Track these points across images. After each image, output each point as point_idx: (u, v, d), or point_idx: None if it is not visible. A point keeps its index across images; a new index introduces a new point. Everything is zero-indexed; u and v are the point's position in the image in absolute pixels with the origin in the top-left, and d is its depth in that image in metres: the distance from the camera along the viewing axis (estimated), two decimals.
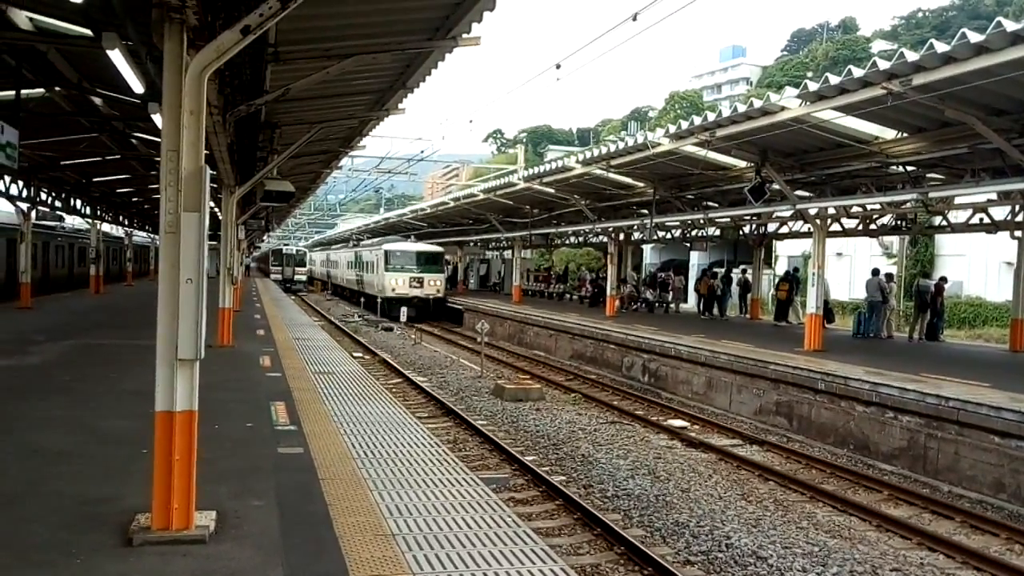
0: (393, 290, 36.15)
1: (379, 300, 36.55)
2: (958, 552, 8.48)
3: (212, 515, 5.50)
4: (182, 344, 5.03)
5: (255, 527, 5.52)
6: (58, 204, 26.14)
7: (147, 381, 5.15)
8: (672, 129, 16.37)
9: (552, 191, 25.47)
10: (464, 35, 9.28)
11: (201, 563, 4.84)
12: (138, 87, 8.33)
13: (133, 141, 15.92)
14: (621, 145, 18.81)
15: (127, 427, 8.03)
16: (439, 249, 39.33)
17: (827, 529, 9.21)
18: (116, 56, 7.28)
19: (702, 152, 16.71)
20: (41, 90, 11.64)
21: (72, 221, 35.92)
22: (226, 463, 7.07)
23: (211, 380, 10.81)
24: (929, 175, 16.55)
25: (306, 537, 5.39)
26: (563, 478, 10.83)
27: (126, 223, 38.01)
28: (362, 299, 43.09)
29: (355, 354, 21.00)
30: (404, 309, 33.39)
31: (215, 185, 19.31)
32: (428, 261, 37.54)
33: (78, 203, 28.03)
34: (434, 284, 36.90)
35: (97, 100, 12.40)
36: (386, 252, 36.96)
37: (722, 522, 9.19)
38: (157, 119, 4.94)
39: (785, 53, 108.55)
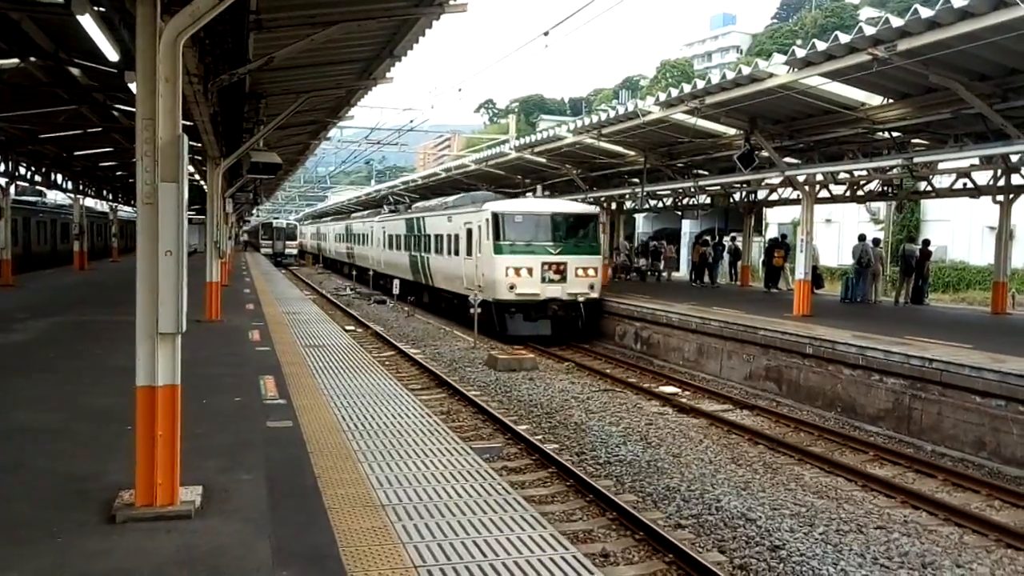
0: (512, 288, 20.04)
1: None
2: (940, 509, 8.62)
3: (198, 490, 5.46)
4: (163, 318, 4.96)
5: (243, 501, 5.49)
6: (38, 179, 25.78)
7: (132, 357, 5.08)
8: (662, 97, 16.25)
9: (544, 161, 25.32)
10: (451, 1, 9.12)
11: (186, 538, 4.81)
12: (112, 55, 8.14)
13: (114, 113, 15.65)
14: (612, 114, 18.67)
15: (112, 403, 7.96)
16: (591, 209, 23.00)
17: (814, 490, 9.28)
18: (88, 22, 7.10)
19: (692, 120, 16.62)
20: (15, 60, 11.37)
21: (55, 196, 35.53)
22: (214, 438, 7.03)
23: (199, 355, 10.78)
24: (914, 141, 16.55)
25: (295, 510, 5.36)
26: (556, 446, 10.85)
27: (110, 198, 37.60)
28: (429, 295, 28.09)
29: (347, 327, 20.95)
30: (397, 282, 27.79)
31: (200, 157, 19.09)
32: (574, 229, 21.07)
33: (59, 178, 27.65)
34: (585, 275, 20.68)
35: (75, 70, 12.15)
36: (497, 216, 20.56)
37: (712, 486, 9.24)
38: (134, 88, 4.79)
39: (775, 21, 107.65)
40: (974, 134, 14.21)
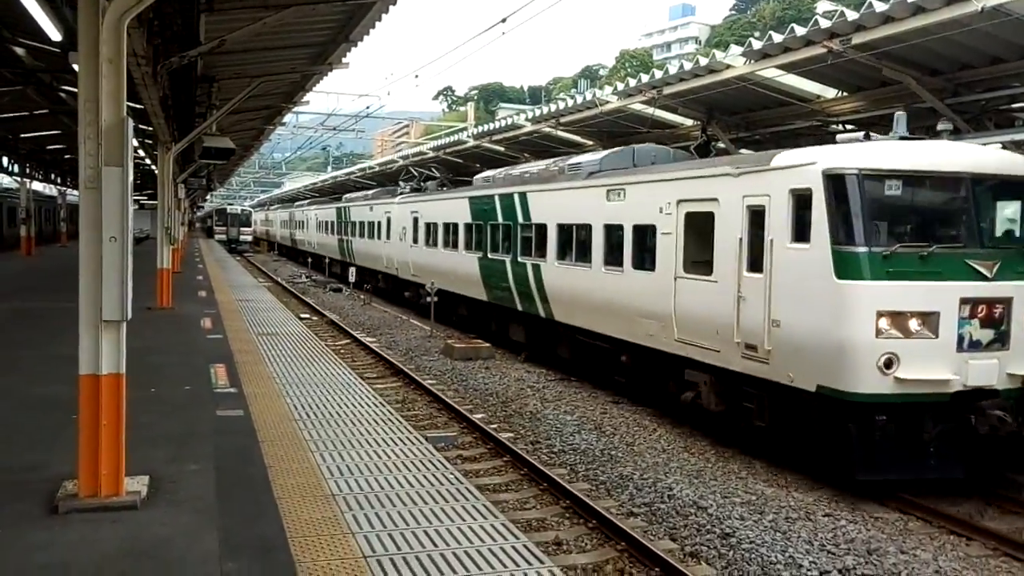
0: (889, 365, 8.14)
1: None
2: (894, 500, 8.76)
3: (145, 480, 5.37)
4: (106, 305, 4.85)
5: (190, 491, 5.41)
6: None
7: (77, 345, 4.96)
8: (621, 87, 16.30)
9: (502, 149, 25.21)
10: None
11: (131, 529, 4.73)
12: (55, 35, 7.91)
13: (61, 95, 15.22)
14: (571, 103, 18.67)
15: (56, 392, 7.77)
16: None
17: (764, 478, 9.44)
18: (29, 1, 6.88)
19: (650, 110, 16.68)
20: None
21: (0, 179, 34.48)
22: (162, 427, 6.91)
23: (148, 343, 10.58)
24: (870, 134, 16.83)
25: (243, 500, 5.30)
26: (511, 435, 10.88)
27: (58, 181, 36.61)
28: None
29: (301, 315, 20.70)
30: (352, 270, 27.07)
31: (150, 141, 18.68)
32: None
33: (4, 161, 26.84)
34: None
35: (19, 50, 11.78)
36: (845, 181, 8.42)
37: (665, 474, 9.35)
38: (77, 69, 4.66)
39: (733, 12, 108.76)
40: (926, 127, 14.52)
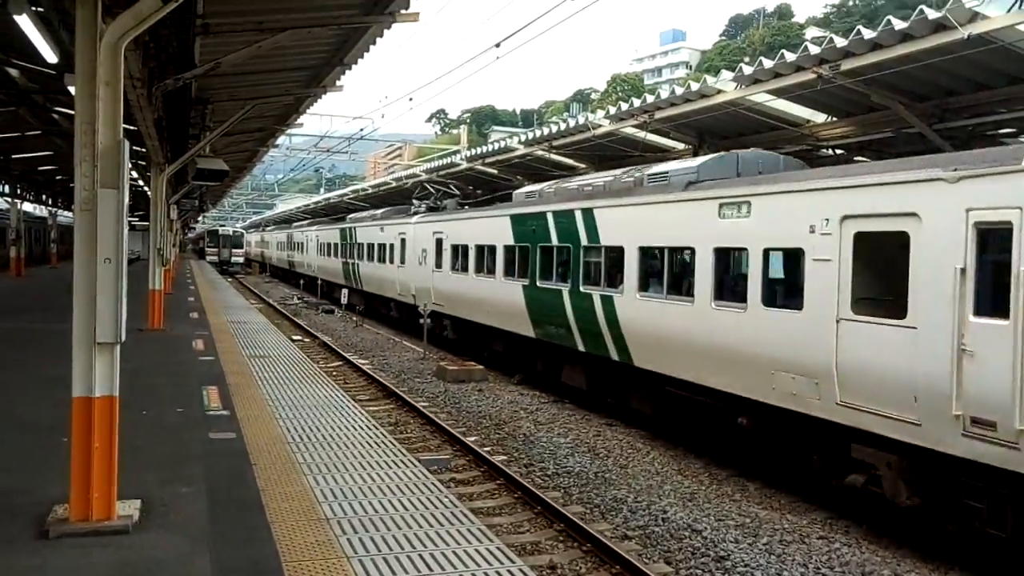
0: None
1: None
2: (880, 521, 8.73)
3: (137, 504, 5.32)
4: (101, 327, 4.82)
5: (183, 515, 5.36)
6: None
7: (70, 367, 4.93)
8: (613, 111, 16.43)
9: (495, 171, 25.33)
10: (402, 11, 9.10)
11: (123, 554, 4.68)
12: (51, 57, 7.94)
13: (55, 116, 15.22)
14: (563, 126, 18.81)
15: (47, 415, 7.71)
16: None
17: (758, 501, 9.42)
18: (25, 22, 6.91)
19: (641, 134, 16.83)
20: None
21: None
22: (154, 450, 6.86)
23: (140, 364, 10.51)
24: (856, 158, 17.02)
25: (236, 524, 5.26)
26: (504, 457, 10.83)
27: (50, 203, 36.55)
28: None
29: (294, 337, 20.63)
30: (346, 291, 27.77)
31: (143, 163, 18.69)
32: None
33: None
34: None
35: (13, 71, 11.79)
36: None
37: (659, 497, 9.32)
38: (73, 91, 4.68)
39: (723, 38, 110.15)
40: (914, 153, 14.68)
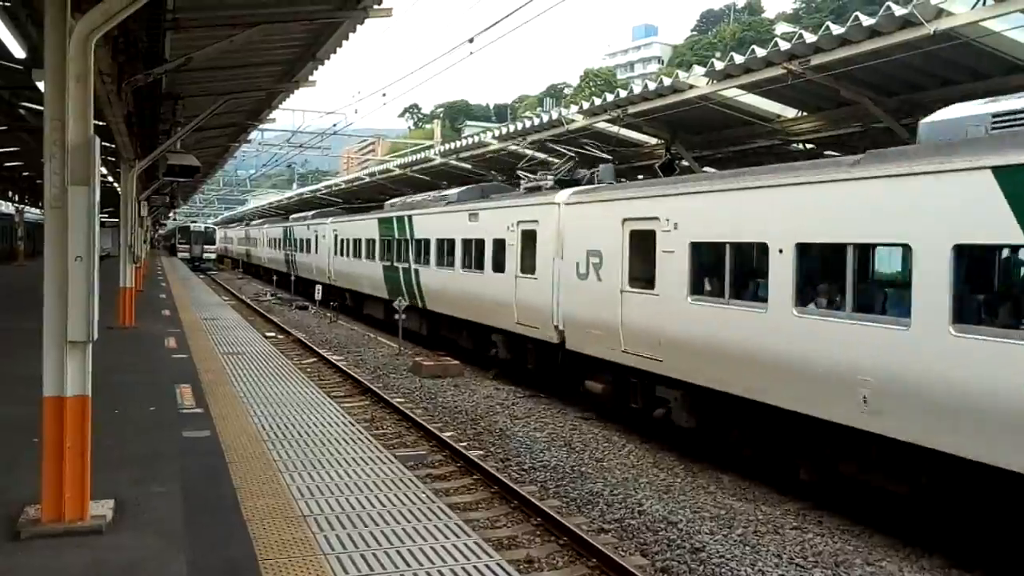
0: None
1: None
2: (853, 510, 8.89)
3: (110, 504, 5.27)
4: (72, 326, 4.77)
5: (157, 514, 5.32)
6: None
7: (39, 366, 4.87)
8: (586, 106, 16.48)
9: (469, 167, 25.29)
10: (375, 6, 9.04)
11: (96, 554, 4.64)
12: (19, 52, 7.80)
13: (21, 111, 14.96)
14: (537, 121, 18.82)
15: (18, 414, 7.59)
16: None
17: (732, 493, 9.53)
18: None
19: (614, 129, 16.89)
20: None
21: None
22: (127, 449, 6.80)
23: (111, 363, 10.38)
24: (827, 152, 17.22)
25: (211, 523, 5.23)
26: (481, 452, 10.85)
27: (16, 199, 35.89)
28: None
29: (267, 334, 20.47)
30: (319, 287, 27.53)
31: (113, 158, 18.42)
32: None
33: None
34: None
35: None
36: None
37: (635, 490, 9.40)
38: (43, 87, 4.59)
39: (695, 33, 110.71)
40: (883, 147, 14.88)
